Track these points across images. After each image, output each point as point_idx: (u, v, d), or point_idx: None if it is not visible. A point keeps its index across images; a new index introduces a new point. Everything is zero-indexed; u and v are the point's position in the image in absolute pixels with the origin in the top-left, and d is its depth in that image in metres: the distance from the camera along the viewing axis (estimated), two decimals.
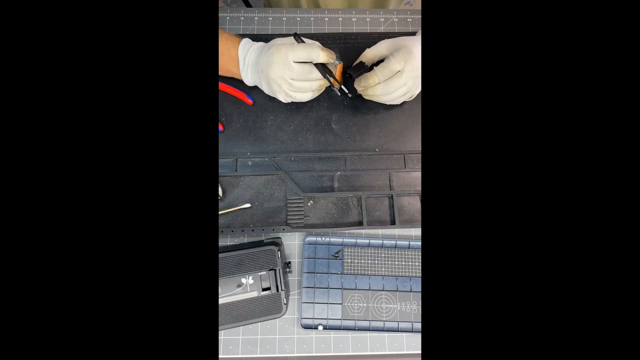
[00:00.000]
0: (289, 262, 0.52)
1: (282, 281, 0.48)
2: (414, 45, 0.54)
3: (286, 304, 0.48)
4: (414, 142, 0.61)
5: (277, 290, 0.48)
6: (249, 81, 0.58)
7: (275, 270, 0.48)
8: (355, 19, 0.68)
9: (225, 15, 0.67)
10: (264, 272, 0.48)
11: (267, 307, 0.47)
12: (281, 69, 0.52)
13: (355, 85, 0.58)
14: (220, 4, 0.64)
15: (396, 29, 0.68)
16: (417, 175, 0.60)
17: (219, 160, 0.58)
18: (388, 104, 0.59)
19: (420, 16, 0.69)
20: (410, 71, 0.53)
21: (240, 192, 0.57)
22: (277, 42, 0.54)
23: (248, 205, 0.56)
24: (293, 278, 0.55)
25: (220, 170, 0.57)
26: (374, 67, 0.56)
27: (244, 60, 0.56)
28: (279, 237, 0.54)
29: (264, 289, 0.48)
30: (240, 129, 0.60)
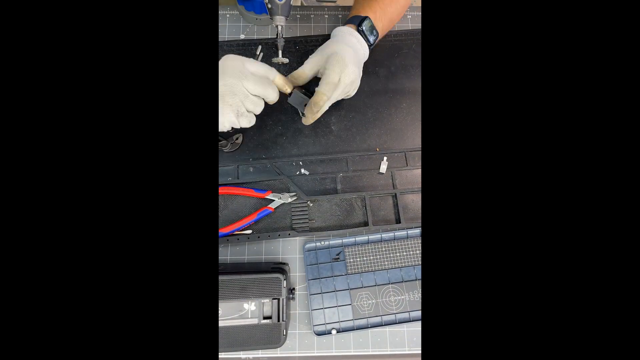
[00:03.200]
0: (293, 289, 0.51)
1: (285, 312, 0.47)
2: (343, 51, 0.52)
3: (285, 336, 0.47)
4: (415, 139, 0.61)
5: (279, 320, 0.47)
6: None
7: (278, 299, 0.47)
8: (327, 16, 0.67)
9: (225, 13, 0.67)
10: (267, 300, 0.47)
11: (266, 337, 0.46)
12: (236, 78, 0.47)
13: (307, 113, 0.54)
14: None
15: (395, 27, 0.67)
16: (419, 172, 0.59)
17: (220, 168, 0.58)
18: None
19: (419, 13, 0.68)
20: (347, 82, 0.52)
21: (243, 199, 0.57)
22: (231, 56, 0.50)
23: (249, 231, 0.56)
24: (295, 274, 0.55)
25: (221, 178, 0.57)
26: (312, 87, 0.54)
27: None
28: (287, 264, 0.54)
29: (265, 317, 0.47)
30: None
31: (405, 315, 0.53)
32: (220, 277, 0.47)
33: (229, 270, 0.49)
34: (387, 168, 0.59)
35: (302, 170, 0.59)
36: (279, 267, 0.50)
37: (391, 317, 0.53)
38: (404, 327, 0.53)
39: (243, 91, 0.47)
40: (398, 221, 0.57)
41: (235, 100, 0.48)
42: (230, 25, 0.66)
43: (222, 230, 0.54)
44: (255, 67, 0.49)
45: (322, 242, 0.56)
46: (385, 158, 0.59)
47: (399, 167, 0.60)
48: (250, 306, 0.47)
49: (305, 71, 0.54)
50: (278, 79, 0.51)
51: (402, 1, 0.60)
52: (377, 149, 0.60)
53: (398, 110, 0.62)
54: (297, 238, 0.57)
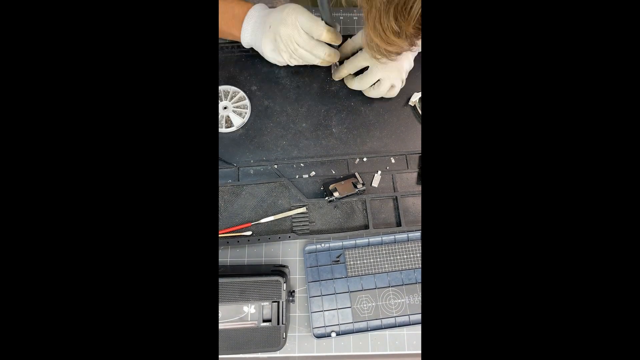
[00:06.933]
0: (293, 292, 0.51)
1: (285, 314, 0.47)
2: None
3: (285, 339, 0.47)
4: (415, 142, 0.60)
5: (278, 323, 0.47)
6: (246, 40, 0.58)
7: (278, 302, 0.47)
8: (356, 18, 0.67)
9: None
10: (267, 303, 0.47)
11: (265, 339, 0.46)
12: (292, 30, 0.52)
13: (333, 76, 0.63)
14: None
15: None
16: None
17: (221, 170, 0.58)
18: (377, 97, 0.61)
19: None
20: (379, 69, 0.56)
21: (243, 201, 0.57)
22: (293, 5, 0.54)
23: (249, 233, 0.56)
24: (294, 276, 0.55)
25: (222, 180, 0.57)
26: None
27: (250, 18, 0.56)
28: (286, 267, 0.54)
29: (264, 320, 0.47)
30: (240, 137, 0.60)
31: (405, 319, 0.53)
32: (220, 280, 0.46)
33: (228, 272, 0.48)
34: (388, 171, 0.59)
35: (303, 175, 0.59)
36: (279, 270, 0.50)
37: (391, 321, 0.53)
38: (404, 331, 0.53)
39: (294, 44, 0.53)
40: (399, 224, 0.57)
41: (288, 48, 0.54)
42: None
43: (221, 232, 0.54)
44: (304, 20, 0.52)
45: (323, 245, 0.56)
46: (379, 172, 0.59)
47: (399, 170, 0.59)
48: (250, 309, 0.47)
49: (351, 43, 0.60)
50: (325, 34, 0.53)
51: None
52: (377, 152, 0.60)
53: (399, 112, 0.62)
54: (298, 240, 0.57)
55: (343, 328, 0.52)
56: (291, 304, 0.52)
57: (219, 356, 0.49)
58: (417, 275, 0.55)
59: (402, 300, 0.54)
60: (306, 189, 0.58)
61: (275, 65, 0.63)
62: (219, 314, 0.46)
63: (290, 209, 0.57)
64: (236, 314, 0.46)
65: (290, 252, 0.56)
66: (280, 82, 0.62)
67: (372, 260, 0.56)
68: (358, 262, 0.55)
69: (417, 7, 0.36)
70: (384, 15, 0.38)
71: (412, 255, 0.56)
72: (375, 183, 0.59)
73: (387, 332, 0.53)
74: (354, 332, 0.52)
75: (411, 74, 0.63)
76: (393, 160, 0.60)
